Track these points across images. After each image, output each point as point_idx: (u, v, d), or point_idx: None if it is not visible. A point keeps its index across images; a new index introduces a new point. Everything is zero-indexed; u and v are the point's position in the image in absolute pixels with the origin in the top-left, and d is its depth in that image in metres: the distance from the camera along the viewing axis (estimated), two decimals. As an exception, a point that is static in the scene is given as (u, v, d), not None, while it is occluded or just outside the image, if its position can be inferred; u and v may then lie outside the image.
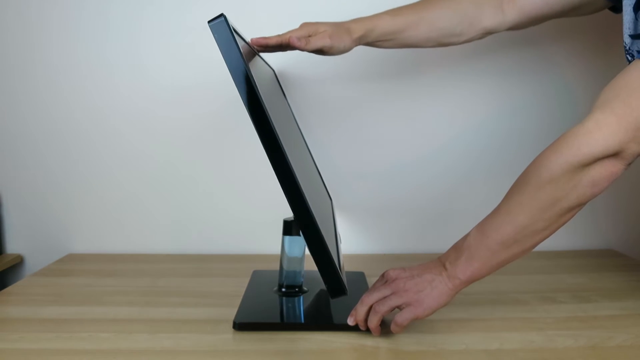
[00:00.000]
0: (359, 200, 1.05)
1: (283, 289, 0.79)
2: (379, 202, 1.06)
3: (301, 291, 0.79)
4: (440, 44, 0.85)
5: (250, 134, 1.01)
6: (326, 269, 0.58)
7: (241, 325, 0.68)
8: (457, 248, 0.66)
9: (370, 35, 0.81)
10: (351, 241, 1.06)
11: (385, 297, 0.64)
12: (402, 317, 0.62)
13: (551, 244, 1.07)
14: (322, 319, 0.71)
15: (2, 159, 1.04)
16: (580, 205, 0.61)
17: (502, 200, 0.67)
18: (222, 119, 1.02)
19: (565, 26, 1.00)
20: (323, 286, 0.80)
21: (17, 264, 1.06)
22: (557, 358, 0.60)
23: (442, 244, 0.77)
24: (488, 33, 0.85)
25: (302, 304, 0.76)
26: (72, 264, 0.98)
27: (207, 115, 1.02)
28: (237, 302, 0.75)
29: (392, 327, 0.63)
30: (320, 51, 0.78)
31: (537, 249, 1.06)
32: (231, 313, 0.72)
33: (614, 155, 0.58)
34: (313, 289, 0.80)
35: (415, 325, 0.68)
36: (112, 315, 0.72)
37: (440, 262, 0.67)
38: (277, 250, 0.80)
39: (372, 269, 0.88)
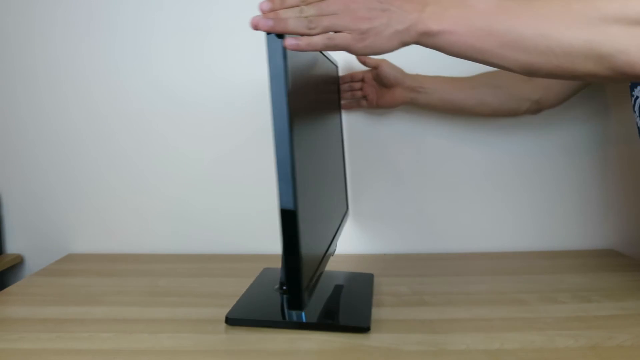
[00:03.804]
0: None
1: (284, 287, 0.79)
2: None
3: None
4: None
5: (251, 133, 1.02)
6: (291, 276, 0.54)
7: (233, 321, 0.69)
8: None
9: (420, 89, 0.91)
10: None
11: (323, 15, 0.52)
12: (332, 40, 0.53)
13: (551, 243, 1.07)
14: (314, 318, 0.70)
15: (2, 159, 1.05)
16: (610, 65, 0.51)
17: None
18: (222, 119, 1.02)
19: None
20: (324, 286, 0.82)
21: (17, 264, 1.06)
22: (557, 358, 0.60)
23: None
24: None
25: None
26: (72, 264, 0.98)
27: (208, 115, 1.02)
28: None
29: (318, 39, 0.52)
30: (374, 67, 0.91)
31: (537, 249, 1.07)
32: (231, 313, 0.73)
33: None
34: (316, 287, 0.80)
35: (415, 325, 0.68)
36: (112, 315, 0.72)
37: None
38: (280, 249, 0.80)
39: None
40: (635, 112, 0.77)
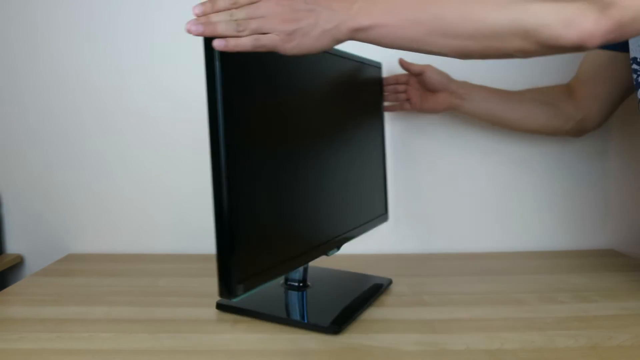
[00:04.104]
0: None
1: (288, 282, 0.80)
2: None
3: (305, 286, 0.80)
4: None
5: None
6: (219, 261, 0.56)
7: (221, 306, 0.73)
8: None
9: (465, 97, 0.91)
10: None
11: (252, 19, 0.54)
12: (259, 41, 0.54)
13: (551, 244, 1.07)
14: (297, 315, 0.70)
15: (2, 159, 1.05)
16: (536, 39, 0.54)
17: None
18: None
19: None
20: (328, 283, 0.83)
21: (17, 264, 1.06)
22: (557, 358, 0.60)
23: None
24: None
25: (294, 298, 0.77)
26: (72, 264, 0.98)
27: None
28: (234, 313, 0.75)
29: (246, 40, 0.54)
30: (418, 74, 0.91)
31: (537, 249, 1.07)
32: (231, 313, 0.72)
33: (603, 6, 0.52)
34: (317, 286, 0.81)
35: (415, 325, 0.68)
36: (112, 315, 0.72)
37: None
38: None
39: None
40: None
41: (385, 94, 0.97)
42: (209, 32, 0.53)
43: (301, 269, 0.80)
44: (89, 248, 1.06)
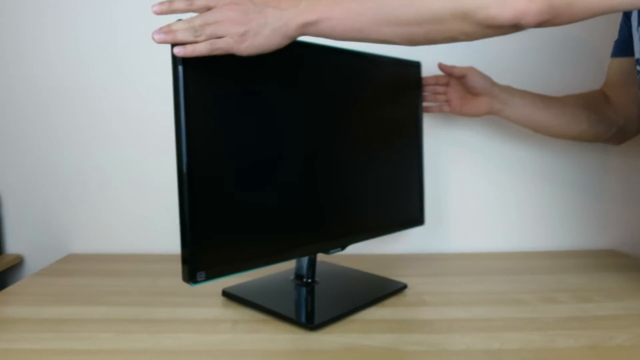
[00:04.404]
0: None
1: (297, 278, 0.82)
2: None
3: (312, 282, 0.81)
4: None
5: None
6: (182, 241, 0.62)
7: (226, 294, 0.78)
8: None
9: (508, 101, 0.88)
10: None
11: (207, 24, 0.57)
12: (214, 45, 0.58)
13: (551, 244, 1.07)
14: (293, 313, 0.71)
15: (2, 159, 1.05)
16: (474, 20, 0.57)
17: None
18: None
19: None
20: (336, 282, 0.84)
21: (17, 264, 1.06)
22: (557, 358, 0.60)
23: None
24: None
25: (295, 293, 0.78)
26: (72, 264, 0.98)
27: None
28: (237, 302, 0.76)
29: (202, 45, 0.57)
30: (461, 77, 0.89)
31: (537, 249, 1.07)
32: (231, 313, 0.72)
33: None
34: (324, 283, 0.82)
35: (415, 325, 0.68)
36: (112, 315, 0.72)
37: None
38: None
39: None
40: None
41: (424, 94, 0.95)
42: (170, 40, 0.57)
43: (307, 265, 0.81)
44: (89, 248, 1.06)
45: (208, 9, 0.58)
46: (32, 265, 1.07)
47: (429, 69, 0.95)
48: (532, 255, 1.03)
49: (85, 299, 0.78)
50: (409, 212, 0.92)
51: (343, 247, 0.79)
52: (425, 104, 0.96)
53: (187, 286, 0.85)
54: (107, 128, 1.03)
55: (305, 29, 0.60)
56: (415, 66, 0.91)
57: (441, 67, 0.91)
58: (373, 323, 0.69)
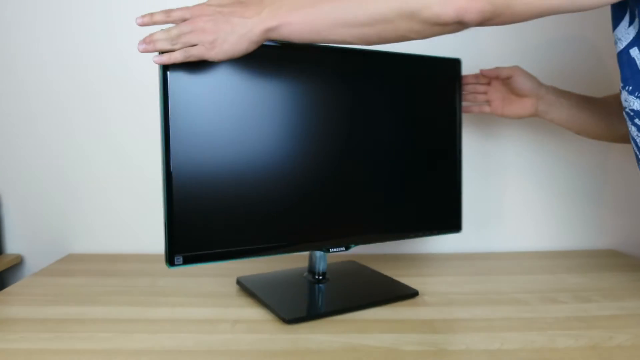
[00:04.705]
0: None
1: (317, 276, 0.83)
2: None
3: (323, 279, 0.82)
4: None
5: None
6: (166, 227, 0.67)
7: (240, 283, 0.82)
8: None
9: (555, 103, 0.85)
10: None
11: (183, 34, 0.63)
12: (188, 52, 0.63)
13: (552, 243, 1.07)
14: (298, 311, 0.71)
15: (2, 159, 1.04)
16: (420, 19, 0.60)
17: None
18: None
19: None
20: (345, 278, 0.85)
21: (17, 264, 1.06)
22: (558, 358, 0.60)
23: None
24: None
25: (302, 288, 0.79)
26: (72, 264, 0.98)
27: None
28: (237, 302, 0.76)
29: (177, 54, 0.63)
30: (507, 78, 0.86)
31: (537, 249, 1.07)
32: (231, 313, 0.73)
33: None
34: (335, 281, 0.82)
35: (415, 325, 0.68)
36: (112, 315, 0.72)
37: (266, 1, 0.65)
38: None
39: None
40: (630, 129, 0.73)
41: (464, 93, 0.91)
42: (151, 49, 0.64)
43: (319, 261, 0.82)
44: (89, 248, 1.06)
45: (184, 20, 0.63)
46: (32, 265, 1.07)
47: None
48: (532, 255, 1.03)
49: (85, 299, 0.79)
50: (443, 217, 0.89)
51: (346, 248, 0.80)
52: (464, 103, 0.91)
53: (187, 286, 0.85)
54: (107, 129, 1.03)
55: (268, 34, 0.63)
56: (454, 63, 0.87)
57: (484, 73, 0.88)
58: (373, 323, 0.69)
